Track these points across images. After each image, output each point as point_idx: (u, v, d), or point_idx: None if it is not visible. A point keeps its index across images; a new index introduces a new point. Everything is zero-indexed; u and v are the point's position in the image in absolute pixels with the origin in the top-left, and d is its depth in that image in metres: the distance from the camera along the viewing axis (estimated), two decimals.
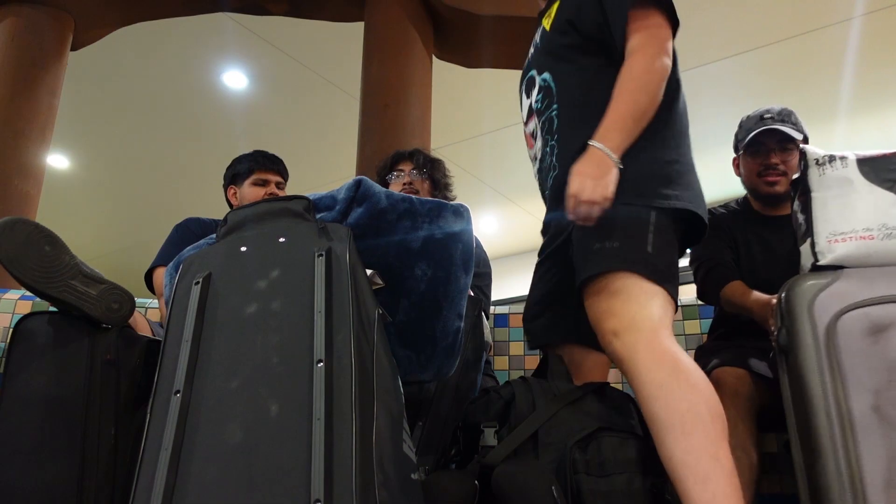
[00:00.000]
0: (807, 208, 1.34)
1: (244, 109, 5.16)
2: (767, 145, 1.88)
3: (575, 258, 1.37)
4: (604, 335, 1.28)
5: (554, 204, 1.45)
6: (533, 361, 1.75)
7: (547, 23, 1.52)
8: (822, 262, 1.27)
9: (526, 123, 1.55)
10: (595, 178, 1.25)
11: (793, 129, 1.87)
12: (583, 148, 1.31)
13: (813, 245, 1.30)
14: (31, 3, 3.20)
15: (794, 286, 1.25)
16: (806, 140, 1.90)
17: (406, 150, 2.29)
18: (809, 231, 1.32)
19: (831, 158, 1.34)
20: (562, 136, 1.43)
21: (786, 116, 1.90)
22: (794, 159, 1.87)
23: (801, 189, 1.38)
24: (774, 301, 1.55)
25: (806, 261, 1.32)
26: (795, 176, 1.44)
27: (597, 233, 1.29)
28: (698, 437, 1.14)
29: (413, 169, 2.19)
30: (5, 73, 3.08)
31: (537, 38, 1.56)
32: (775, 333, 1.27)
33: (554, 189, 1.42)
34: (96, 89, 4.88)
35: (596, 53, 1.44)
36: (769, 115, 1.90)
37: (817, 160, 1.35)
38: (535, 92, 1.51)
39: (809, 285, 1.24)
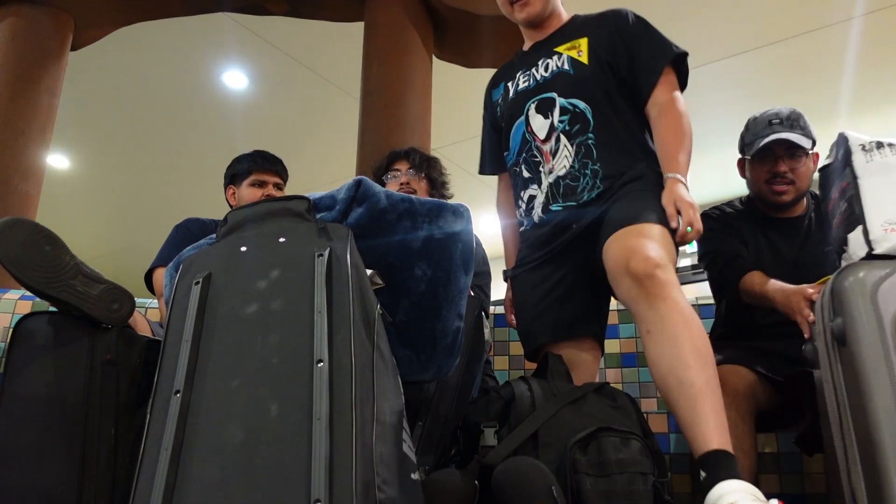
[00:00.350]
0: (854, 195, 1.30)
1: (244, 109, 5.16)
2: (776, 152, 1.86)
3: (612, 221, 1.53)
4: (645, 260, 1.37)
5: (587, 209, 1.64)
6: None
7: (575, 54, 1.70)
8: (878, 250, 1.22)
9: (544, 140, 1.70)
10: (697, 210, 1.49)
11: (801, 134, 1.84)
12: (627, 172, 1.61)
13: (866, 233, 1.25)
14: (31, 3, 3.20)
15: (848, 274, 1.19)
16: (814, 144, 1.88)
17: (401, 149, 2.27)
18: (860, 219, 1.27)
19: (879, 145, 1.30)
20: (605, 164, 1.63)
21: (794, 121, 1.86)
22: (803, 166, 1.86)
23: (846, 174, 1.33)
24: (811, 291, 1.56)
25: (858, 249, 1.26)
26: (827, 162, 1.42)
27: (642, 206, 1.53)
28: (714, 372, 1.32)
29: (410, 168, 2.18)
30: (5, 73, 3.08)
31: (563, 64, 1.70)
32: (828, 323, 1.22)
33: (592, 200, 1.63)
34: (96, 89, 4.88)
35: (624, 93, 1.68)
36: (777, 121, 1.87)
37: (863, 146, 1.31)
38: (556, 113, 1.67)
39: (868, 274, 1.17)
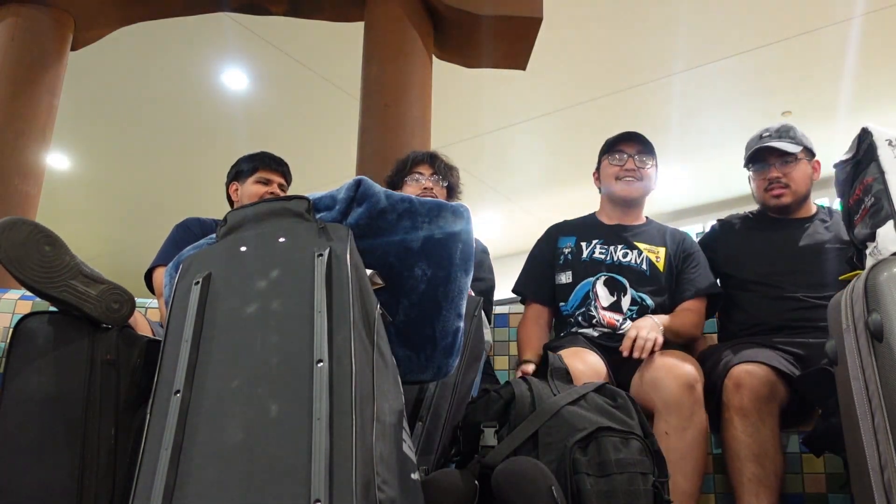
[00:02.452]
0: (882, 190, 1.29)
1: (244, 109, 5.16)
2: (769, 161, 2.02)
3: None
4: (689, 373, 1.65)
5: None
6: None
7: (654, 259, 2.04)
8: None
9: (606, 308, 2.00)
10: (649, 330, 1.78)
11: (790, 143, 2.00)
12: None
13: None
14: (31, 3, 3.20)
15: (882, 269, 1.18)
16: (805, 151, 2.02)
17: (424, 152, 2.29)
18: (890, 214, 1.27)
19: None
20: None
21: (784, 133, 2.03)
22: (795, 170, 2.01)
23: (871, 170, 1.33)
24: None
25: (889, 244, 1.26)
26: (847, 156, 1.42)
27: None
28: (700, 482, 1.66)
29: (434, 174, 2.19)
30: (5, 73, 3.08)
31: (642, 263, 2.02)
32: (860, 319, 1.21)
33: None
34: (96, 89, 4.88)
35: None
36: (767, 133, 2.05)
37: (889, 141, 1.31)
38: (626, 301, 1.99)
39: None
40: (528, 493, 1.13)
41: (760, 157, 2.03)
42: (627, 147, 2.11)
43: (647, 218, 2.19)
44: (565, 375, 1.50)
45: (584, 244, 2.09)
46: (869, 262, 1.28)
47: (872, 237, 1.30)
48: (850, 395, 1.22)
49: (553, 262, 2.11)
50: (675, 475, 1.48)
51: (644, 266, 2.02)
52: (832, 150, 1.91)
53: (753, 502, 1.54)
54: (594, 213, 2.23)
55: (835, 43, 4.37)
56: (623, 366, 1.82)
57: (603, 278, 2.02)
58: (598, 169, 2.19)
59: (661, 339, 1.77)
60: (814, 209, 2.09)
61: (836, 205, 2.04)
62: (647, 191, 2.13)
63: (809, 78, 4.76)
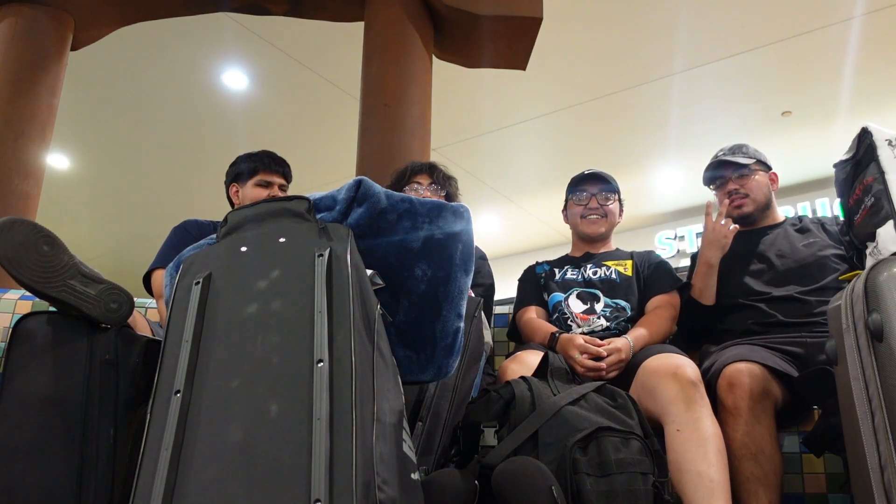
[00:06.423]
0: (882, 190, 1.29)
1: (244, 109, 5.16)
2: (725, 176, 2.16)
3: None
4: (691, 374, 1.63)
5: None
6: None
7: (622, 269, 2.17)
8: None
9: (580, 314, 2.09)
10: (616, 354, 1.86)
11: (743, 157, 2.14)
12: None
13: None
14: (31, 3, 3.20)
15: (882, 269, 1.18)
16: (759, 163, 2.15)
17: (423, 162, 2.29)
18: (890, 214, 1.27)
19: None
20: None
21: (737, 150, 2.19)
22: (751, 182, 2.13)
23: (871, 170, 1.33)
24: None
25: (889, 244, 1.26)
26: (847, 156, 1.42)
27: None
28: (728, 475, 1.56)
29: (432, 183, 2.19)
30: (5, 73, 3.08)
31: (611, 275, 2.15)
32: (860, 319, 1.21)
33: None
34: (96, 89, 4.88)
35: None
36: (722, 153, 2.21)
37: (889, 141, 1.31)
38: (599, 306, 2.08)
39: None
40: (528, 493, 1.13)
41: (718, 174, 2.16)
42: (590, 186, 2.25)
43: (616, 248, 2.32)
44: (565, 375, 1.50)
45: (556, 270, 2.24)
46: (869, 262, 1.28)
47: (872, 237, 1.30)
48: (850, 395, 1.21)
49: (539, 284, 2.24)
50: (697, 465, 1.44)
51: (613, 276, 2.16)
52: (832, 150, 1.92)
53: (753, 502, 1.53)
54: (566, 254, 2.36)
55: (835, 43, 4.38)
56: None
57: (576, 292, 2.13)
58: (565, 207, 2.34)
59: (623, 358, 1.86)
60: (781, 218, 2.19)
61: (836, 205, 2.07)
62: (612, 225, 2.28)
63: (809, 78, 4.76)
